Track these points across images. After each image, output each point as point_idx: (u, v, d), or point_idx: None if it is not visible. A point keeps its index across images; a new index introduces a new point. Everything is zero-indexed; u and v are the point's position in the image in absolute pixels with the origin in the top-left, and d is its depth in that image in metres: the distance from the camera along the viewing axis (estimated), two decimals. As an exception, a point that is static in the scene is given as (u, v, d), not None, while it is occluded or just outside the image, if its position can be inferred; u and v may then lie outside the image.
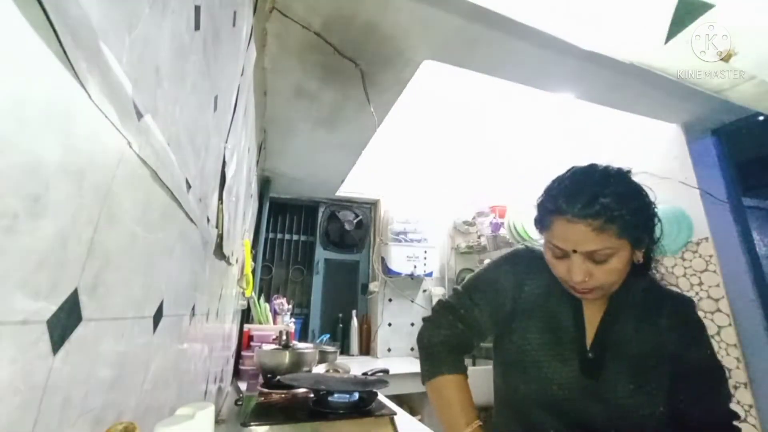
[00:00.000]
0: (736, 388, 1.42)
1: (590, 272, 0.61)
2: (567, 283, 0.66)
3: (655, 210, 0.65)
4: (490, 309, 0.76)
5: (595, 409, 0.66)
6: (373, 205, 3.01)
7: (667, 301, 0.70)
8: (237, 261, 1.25)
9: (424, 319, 0.83)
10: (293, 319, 2.24)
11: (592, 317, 0.70)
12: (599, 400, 0.65)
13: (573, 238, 0.60)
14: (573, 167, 0.67)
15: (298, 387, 1.19)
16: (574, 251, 0.61)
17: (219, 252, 0.80)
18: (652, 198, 0.64)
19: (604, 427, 0.66)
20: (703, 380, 0.66)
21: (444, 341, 0.77)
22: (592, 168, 0.65)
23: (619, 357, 0.66)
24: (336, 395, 1.09)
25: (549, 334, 0.71)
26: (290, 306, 2.24)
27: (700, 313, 1.50)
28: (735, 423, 0.66)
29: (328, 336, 2.48)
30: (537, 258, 0.74)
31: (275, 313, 2.16)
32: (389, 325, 2.70)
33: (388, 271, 2.65)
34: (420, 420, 1.23)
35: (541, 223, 0.67)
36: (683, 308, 0.70)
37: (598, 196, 0.58)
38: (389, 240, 2.67)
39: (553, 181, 0.67)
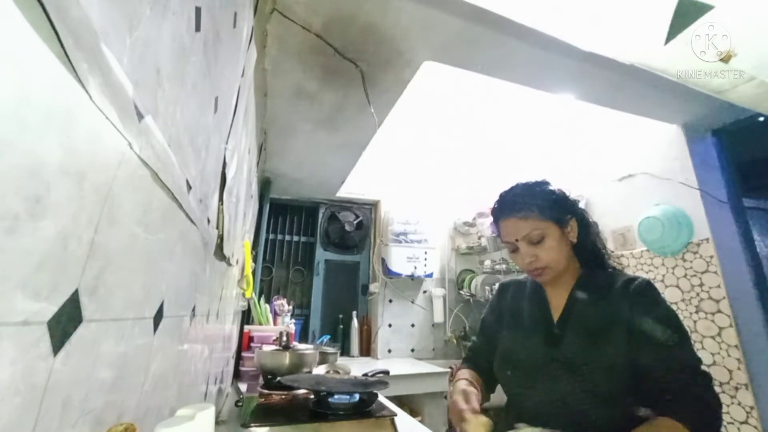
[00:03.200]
0: (737, 389, 1.41)
1: (534, 254, 0.79)
2: (526, 270, 0.83)
3: (576, 203, 0.87)
4: (483, 336, 0.99)
5: (559, 372, 0.75)
6: (373, 205, 3.01)
7: (621, 279, 0.80)
8: (237, 262, 1.25)
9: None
10: (293, 320, 2.23)
11: (558, 303, 0.84)
12: (562, 362, 0.76)
13: (510, 231, 0.82)
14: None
15: (299, 388, 1.19)
16: (516, 240, 0.81)
17: (219, 253, 0.80)
18: (567, 193, 0.87)
19: (570, 390, 0.73)
20: (663, 342, 0.70)
21: (462, 364, 1.00)
22: (515, 185, 0.88)
23: (578, 325, 0.78)
24: (336, 396, 1.09)
25: (517, 324, 0.89)
26: (290, 307, 2.24)
27: (701, 314, 1.52)
28: (707, 384, 0.68)
29: (328, 337, 2.48)
30: (510, 281, 1.00)
31: (275, 314, 2.16)
32: (389, 326, 2.70)
33: (388, 272, 2.65)
34: (420, 421, 1.23)
35: (497, 233, 0.89)
36: (637, 284, 0.77)
37: (517, 197, 0.83)
38: (389, 241, 2.67)
39: (493, 204, 0.89)
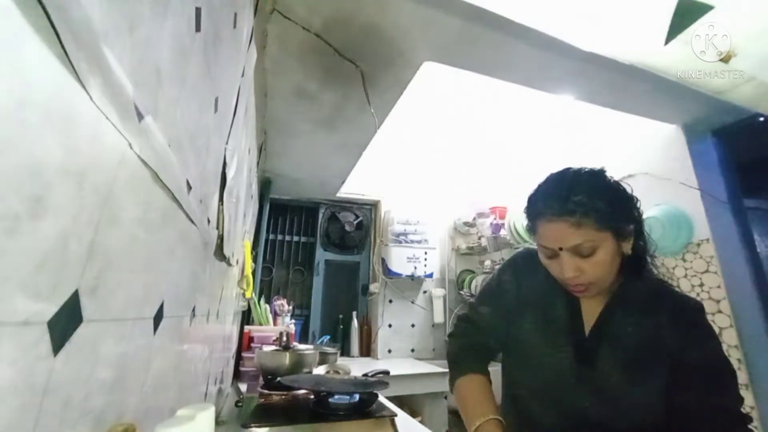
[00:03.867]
0: (737, 389, 1.41)
1: (580, 267, 0.64)
2: (563, 282, 0.69)
3: (636, 203, 0.69)
4: (497, 311, 0.81)
5: (587, 396, 0.67)
6: (373, 206, 3.01)
7: (671, 300, 0.69)
8: (237, 262, 1.25)
9: (448, 335, 0.88)
10: (293, 321, 2.23)
11: (592, 310, 0.72)
12: (592, 387, 0.67)
13: (556, 236, 0.64)
14: (549, 174, 0.71)
15: (299, 388, 1.19)
16: (561, 249, 0.64)
17: (219, 253, 0.80)
18: (629, 191, 0.68)
19: (597, 417, 0.66)
20: (706, 381, 0.62)
21: (462, 347, 0.83)
22: (566, 171, 0.70)
23: (615, 347, 0.67)
24: (336, 396, 1.09)
25: (543, 324, 0.75)
26: (290, 307, 2.24)
27: (701, 314, 1.51)
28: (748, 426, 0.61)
29: (328, 337, 2.48)
30: (534, 257, 0.77)
31: (275, 315, 2.16)
32: (389, 326, 2.70)
33: (388, 272, 2.64)
34: (420, 421, 1.23)
35: (530, 228, 0.72)
36: (689, 310, 0.68)
37: (571, 194, 0.63)
38: (389, 241, 2.67)
39: (534, 189, 0.71)
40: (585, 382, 0.67)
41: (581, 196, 0.62)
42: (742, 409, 0.62)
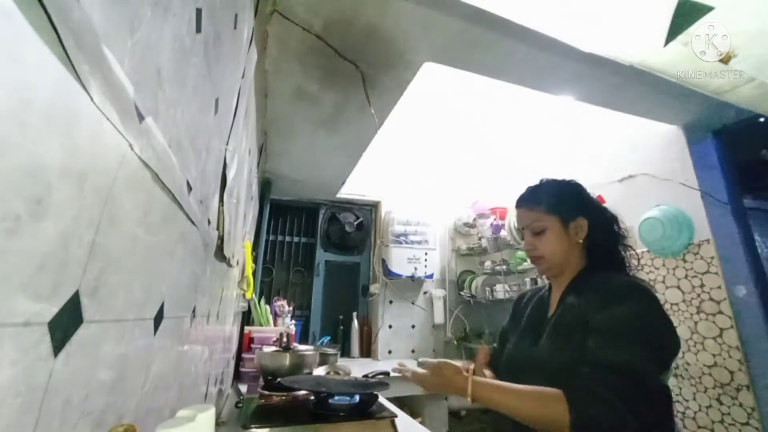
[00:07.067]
0: (738, 390, 1.41)
1: (533, 243, 0.85)
2: (527, 256, 0.90)
3: (585, 198, 0.87)
4: (500, 345, 1.00)
5: (535, 374, 0.75)
6: (373, 206, 3.01)
7: (607, 281, 0.75)
8: (238, 263, 1.25)
9: None
10: (294, 321, 2.23)
11: (554, 305, 0.86)
12: (535, 363, 0.79)
13: (518, 219, 0.91)
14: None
15: (299, 389, 1.19)
16: (523, 229, 0.88)
17: (220, 254, 0.80)
18: (579, 191, 0.88)
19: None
20: (602, 338, 0.67)
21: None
22: (541, 179, 0.92)
23: (555, 326, 0.80)
24: (336, 397, 1.08)
25: (521, 327, 0.91)
26: (291, 308, 2.24)
27: (702, 315, 1.52)
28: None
29: (328, 338, 2.48)
30: (529, 289, 1.03)
31: (276, 315, 2.16)
32: (390, 327, 2.70)
33: (388, 272, 2.64)
34: (421, 422, 1.23)
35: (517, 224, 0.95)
36: (616, 285, 0.73)
37: (532, 190, 0.89)
38: (390, 242, 2.67)
39: None
40: (533, 360, 0.80)
41: (538, 191, 0.88)
42: (644, 367, 0.62)
